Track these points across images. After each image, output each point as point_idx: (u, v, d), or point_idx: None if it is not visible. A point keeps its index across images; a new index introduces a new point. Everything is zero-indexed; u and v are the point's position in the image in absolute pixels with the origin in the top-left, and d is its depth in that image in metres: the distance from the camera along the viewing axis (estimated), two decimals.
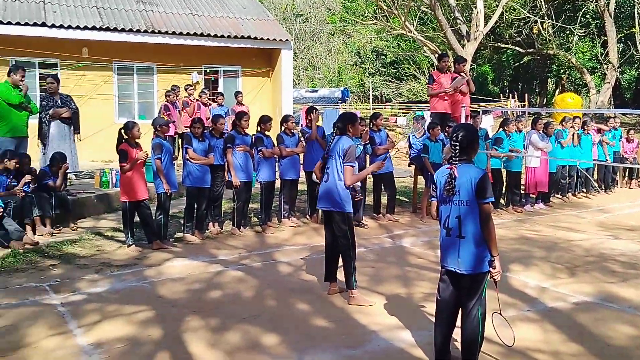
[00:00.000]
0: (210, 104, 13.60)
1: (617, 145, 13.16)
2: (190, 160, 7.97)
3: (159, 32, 14.39)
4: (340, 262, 5.76)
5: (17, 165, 7.95)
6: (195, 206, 8.13)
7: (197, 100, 13.50)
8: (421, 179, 10.25)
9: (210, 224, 8.56)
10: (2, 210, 7.28)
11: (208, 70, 16.27)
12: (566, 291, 5.99)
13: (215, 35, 14.99)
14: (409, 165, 11.39)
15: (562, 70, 34.71)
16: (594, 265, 6.99)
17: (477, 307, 4.01)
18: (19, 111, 8.88)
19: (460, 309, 4.12)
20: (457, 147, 4.04)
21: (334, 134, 5.79)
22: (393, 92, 37.84)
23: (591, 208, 11.13)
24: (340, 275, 5.93)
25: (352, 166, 5.53)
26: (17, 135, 8.86)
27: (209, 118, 12.81)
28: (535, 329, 4.98)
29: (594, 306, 5.57)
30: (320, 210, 9.25)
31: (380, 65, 39.25)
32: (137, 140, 7.48)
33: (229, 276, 6.45)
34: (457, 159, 4.05)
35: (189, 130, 8.55)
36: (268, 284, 6.18)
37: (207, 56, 15.81)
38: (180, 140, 12.20)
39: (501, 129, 10.57)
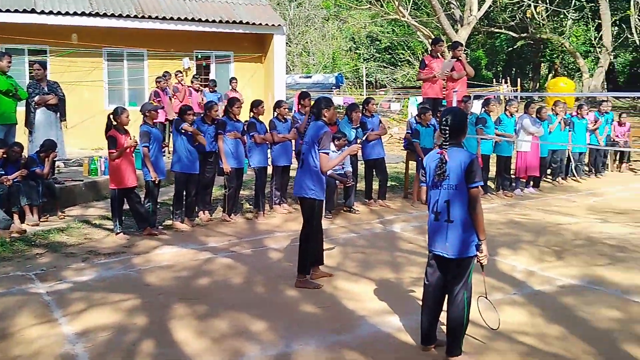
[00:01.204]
0: (201, 90, 13.53)
1: (609, 129, 13.15)
2: (193, 133, 7.88)
3: (149, 17, 14.24)
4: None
5: (5, 155, 7.88)
6: (185, 193, 8.10)
7: (189, 86, 13.43)
8: (413, 164, 10.24)
9: (201, 211, 8.53)
10: None
11: (199, 56, 16.14)
12: (553, 274, 6.01)
13: (207, 20, 14.83)
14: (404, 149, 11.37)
15: (555, 55, 34.68)
16: (582, 248, 7.01)
17: (463, 291, 4.02)
18: (8, 98, 8.80)
19: (447, 293, 4.13)
20: (447, 131, 4.03)
21: (309, 120, 5.78)
22: (387, 77, 37.71)
23: (581, 192, 11.15)
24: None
25: (327, 153, 5.53)
26: (6, 122, 8.79)
27: (200, 104, 12.77)
28: (521, 312, 5.01)
29: (581, 289, 5.59)
30: None
31: (374, 50, 39.07)
32: (126, 127, 7.43)
33: (218, 263, 6.45)
34: (447, 143, 4.04)
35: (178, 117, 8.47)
36: (258, 271, 6.18)
37: (198, 42, 15.66)
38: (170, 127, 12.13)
39: (483, 109, 10.59)
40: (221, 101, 12.78)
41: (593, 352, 4.25)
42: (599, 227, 8.11)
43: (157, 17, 14.28)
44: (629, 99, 28.51)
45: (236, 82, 14.07)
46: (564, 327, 4.67)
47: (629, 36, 27.01)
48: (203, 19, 14.76)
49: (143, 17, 14.18)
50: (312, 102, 7.58)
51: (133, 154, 7.60)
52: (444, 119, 4.09)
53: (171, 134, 9.18)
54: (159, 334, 4.54)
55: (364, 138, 9.01)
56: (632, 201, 10.17)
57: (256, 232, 7.92)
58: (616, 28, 28.95)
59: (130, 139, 7.38)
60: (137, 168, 7.84)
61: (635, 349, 4.29)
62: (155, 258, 6.61)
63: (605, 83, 30.22)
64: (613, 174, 13.46)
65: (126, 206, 7.56)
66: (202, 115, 8.54)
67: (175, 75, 13.33)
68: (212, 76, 15.61)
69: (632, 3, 25.56)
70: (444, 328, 4.24)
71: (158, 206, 8.06)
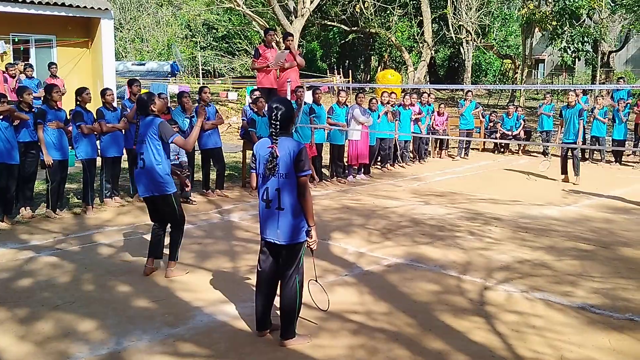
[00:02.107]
0: (16, 75, 12.42)
1: (429, 120, 14.23)
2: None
3: None
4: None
5: None
6: (5, 188, 7.39)
7: (4, 72, 12.25)
8: (250, 153, 10.28)
9: (22, 207, 7.86)
10: None
11: (17, 40, 14.80)
12: (380, 255, 6.41)
13: (24, 1, 13.64)
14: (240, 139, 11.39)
15: (383, 48, 36.70)
16: (407, 229, 7.55)
17: (295, 275, 4.15)
18: None
19: (279, 278, 4.24)
20: (277, 124, 4.10)
21: (138, 119, 5.63)
22: (225, 67, 37.37)
23: (406, 177, 11.97)
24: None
25: (177, 134, 5.53)
26: None
27: (14, 90, 11.74)
28: (351, 292, 5.28)
29: (404, 267, 6.03)
30: None
31: (211, 39, 38.49)
32: None
33: (41, 262, 6.01)
34: (277, 135, 4.11)
35: None
36: (86, 268, 5.87)
37: (15, 24, 14.34)
38: None
39: (312, 99, 10.96)
40: (40, 88, 11.84)
41: (414, 323, 4.62)
42: (422, 209, 8.77)
43: None
44: (448, 91, 31.11)
45: (56, 68, 13.10)
46: (389, 303, 5.01)
47: (447, 33, 29.42)
48: (19, 0, 13.54)
49: None
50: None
51: None
52: (272, 112, 4.15)
53: None
54: None
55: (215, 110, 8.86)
56: (450, 184, 11.14)
57: (84, 227, 7.50)
58: (436, 25, 31.35)
59: None
60: None
61: (449, 317, 4.73)
62: None
63: (428, 76, 32.63)
64: (434, 160, 14.61)
65: None
66: (18, 103, 7.84)
67: None
68: (32, 62, 14.40)
69: (449, 3, 27.84)
70: (279, 313, 4.35)
71: None
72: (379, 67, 37.40)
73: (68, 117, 8.15)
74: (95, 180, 8.52)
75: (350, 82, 27.25)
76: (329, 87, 21.86)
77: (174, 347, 4.18)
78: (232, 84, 29.64)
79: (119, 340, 4.26)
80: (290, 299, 4.15)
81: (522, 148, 15.92)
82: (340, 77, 27.41)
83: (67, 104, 8.67)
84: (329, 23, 30.71)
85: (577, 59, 25.28)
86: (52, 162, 7.66)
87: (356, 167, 11.46)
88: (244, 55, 36.63)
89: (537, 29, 25.57)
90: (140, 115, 5.58)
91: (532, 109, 23.39)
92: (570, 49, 22.49)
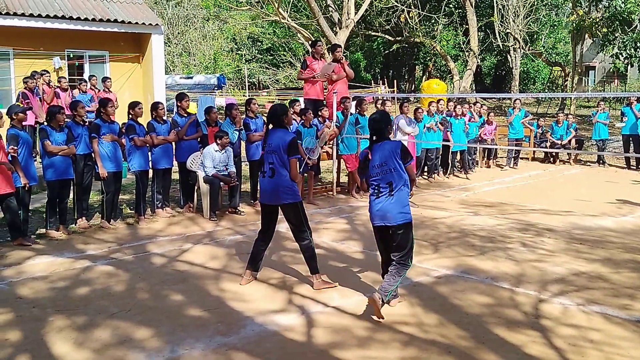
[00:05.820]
0: (67, 89, 12.84)
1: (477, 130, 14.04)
2: (51, 152, 7.42)
3: (15, 14, 13.33)
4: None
5: None
6: (59, 199, 7.65)
7: (57, 87, 12.69)
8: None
9: (79, 218, 8.10)
10: None
11: (72, 55, 15.33)
12: (430, 266, 6.35)
13: (79, 18, 14.13)
14: None
15: (428, 58, 36.47)
16: (456, 240, 7.46)
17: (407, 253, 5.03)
18: None
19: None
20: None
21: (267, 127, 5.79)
22: (270, 78, 37.81)
23: (454, 187, 11.83)
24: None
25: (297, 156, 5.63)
26: None
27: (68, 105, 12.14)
28: (401, 304, 5.24)
29: (455, 279, 5.95)
30: (195, 200, 9.17)
31: (256, 51, 39.03)
32: None
33: (97, 271, 6.18)
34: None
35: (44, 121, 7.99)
36: (140, 277, 6.01)
37: (70, 40, 14.87)
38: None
39: (357, 110, 10.95)
40: (93, 102, 12.21)
41: (466, 336, 4.55)
42: (471, 220, 8.65)
43: (23, 14, 13.40)
44: (495, 99, 30.66)
45: (110, 82, 13.51)
46: (440, 315, 4.96)
47: (493, 41, 29.04)
48: (74, 17, 14.05)
49: (8, 13, 13.24)
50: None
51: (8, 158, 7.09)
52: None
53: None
54: (34, 349, 4.29)
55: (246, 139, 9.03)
56: (499, 194, 10.96)
57: (138, 237, 7.67)
58: (482, 33, 30.99)
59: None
60: None
61: (503, 330, 4.64)
62: (29, 269, 6.22)
63: (474, 84, 32.25)
64: (482, 170, 14.39)
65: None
66: (73, 117, 8.08)
67: (41, 74, 12.55)
68: (85, 76, 14.89)
69: (495, 10, 27.51)
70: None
71: (30, 214, 7.57)
72: (424, 77, 37.17)
73: (122, 130, 8.38)
74: (147, 192, 8.72)
75: (395, 92, 27.15)
76: (373, 97, 21.82)
77: (226, 355, 4.23)
78: (277, 95, 29.95)
79: (174, 348, 4.33)
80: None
81: (573, 157, 15.52)
82: (385, 87, 27.37)
83: (120, 117, 8.90)
84: (373, 33, 30.71)
85: (629, 66, 24.56)
86: (106, 174, 7.89)
87: None
88: (288, 67, 36.97)
89: (587, 36, 24.96)
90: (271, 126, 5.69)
91: (583, 117, 22.82)
92: (622, 56, 21.84)
